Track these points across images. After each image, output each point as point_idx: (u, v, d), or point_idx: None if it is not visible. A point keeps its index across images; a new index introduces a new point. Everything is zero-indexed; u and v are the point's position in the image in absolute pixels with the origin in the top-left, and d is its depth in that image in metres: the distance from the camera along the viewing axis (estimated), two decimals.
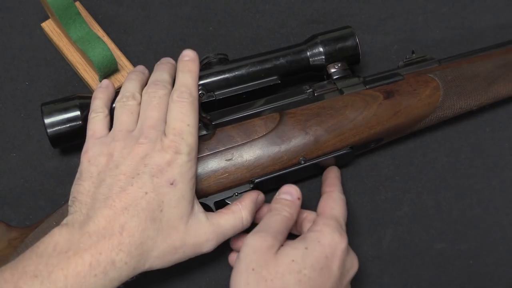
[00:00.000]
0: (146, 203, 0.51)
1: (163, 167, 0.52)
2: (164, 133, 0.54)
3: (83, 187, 0.53)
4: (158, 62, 0.62)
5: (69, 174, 0.68)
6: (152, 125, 0.54)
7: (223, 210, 0.57)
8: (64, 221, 0.52)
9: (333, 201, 0.59)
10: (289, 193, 0.58)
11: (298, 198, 0.58)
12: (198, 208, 0.55)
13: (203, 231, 0.54)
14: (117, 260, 0.49)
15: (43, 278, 0.47)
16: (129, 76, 0.60)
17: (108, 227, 0.50)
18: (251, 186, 0.61)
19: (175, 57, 0.71)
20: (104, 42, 0.68)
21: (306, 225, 0.60)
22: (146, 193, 0.52)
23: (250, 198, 0.58)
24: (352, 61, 0.67)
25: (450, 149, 0.70)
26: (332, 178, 0.63)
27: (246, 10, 0.76)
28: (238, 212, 0.56)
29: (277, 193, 0.59)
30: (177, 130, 0.54)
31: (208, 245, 0.54)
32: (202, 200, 0.59)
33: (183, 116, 0.55)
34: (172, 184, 0.52)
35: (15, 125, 0.70)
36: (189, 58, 0.59)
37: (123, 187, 0.52)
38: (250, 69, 0.65)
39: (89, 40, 0.68)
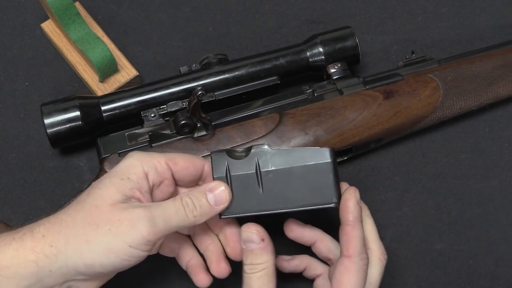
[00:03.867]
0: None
1: None
2: None
3: None
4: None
5: (69, 174, 0.68)
6: None
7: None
8: None
9: (350, 277, 0.51)
10: (251, 240, 0.52)
11: (263, 240, 0.52)
12: (136, 202, 0.50)
13: (131, 209, 0.48)
14: (35, 230, 0.49)
15: None
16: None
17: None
18: None
19: (175, 56, 0.72)
20: (103, 42, 0.68)
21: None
22: None
23: (198, 188, 0.53)
24: (351, 61, 0.67)
25: (450, 149, 0.70)
26: (351, 231, 0.52)
27: (246, 10, 0.76)
28: (178, 197, 0.51)
29: (241, 242, 0.53)
30: None
31: (142, 222, 0.48)
32: None
33: None
34: (107, 172, 0.52)
35: (15, 125, 0.70)
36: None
37: None
38: (250, 69, 0.65)
39: (89, 41, 0.68)
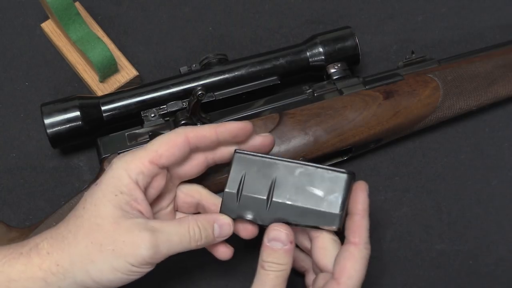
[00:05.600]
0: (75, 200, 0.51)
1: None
2: None
3: None
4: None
5: (69, 175, 0.68)
6: None
7: (171, 220, 0.54)
8: None
9: (354, 263, 0.52)
10: (280, 240, 0.51)
11: (291, 242, 0.52)
12: (137, 213, 0.50)
13: (137, 231, 0.49)
14: (40, 246, 0.49)
15: None
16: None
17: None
18: None
19: (175, 56, 0.72)
20: (103, 42, 0.68)
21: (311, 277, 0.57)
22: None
23: (206, 217, 0.53)
24: (351, 61, 0.67)
25: (450, 149, 0.70)
26: (360, 220, 0.54)
27: (246, 10, 0.76)
28: (185, 222, 0.51)
29: (264, 237, 0.52)
30: None
31: (145, 246, 0.48)
32: None
33: None
34: (96, 184, 0.51)
35: (15, 125, 0.70)
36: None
37: None
38: (250, 70, 0.65)
39: (89, 41, 0.68)
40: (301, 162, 0.53)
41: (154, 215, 0.54)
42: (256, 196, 0.53)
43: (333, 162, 0.66)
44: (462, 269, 0.65)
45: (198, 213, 0.57)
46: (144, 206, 0.51)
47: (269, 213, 0.52)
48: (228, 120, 0.62)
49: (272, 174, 0.53)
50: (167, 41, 0.75)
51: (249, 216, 0.53)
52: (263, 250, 0.52)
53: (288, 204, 0.52)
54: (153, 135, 0.61)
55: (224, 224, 0.53)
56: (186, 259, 0.57)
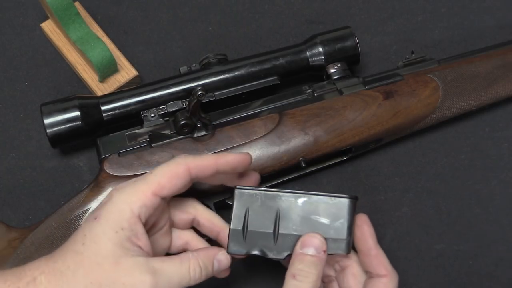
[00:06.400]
0: (73, 235, 0.50)
1: (99, 205, 0.51)
2: None
3: None
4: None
5: (69, 175, 0.68)
6: None
7: (172, 256, 0.52)
8: None
9: None
10: (314, 246, 0.51)
11: (324, 251, 0.51)
12: (137, 250, 0.49)
13: (138, 273, 0.48)
14: (37, 280, 0.48)
15: None
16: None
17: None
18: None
19: (175, 56, 0.72)
20: (103, 42, 0.68)
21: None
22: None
23: (207, 253, 0.53)
24: (351, 61, 0.67)
25: (449, 149, 0.70)
26: (377, 254, 0.53)
27: (246, 10, 0.76)
28: (186, 261, 0.51)
29: (297, 246, 0.52)
30: None
31: None
32: (202, 200, 0.59)
33: None
34: (96, 219, 0.49)
35: (15, 125, 0.70)
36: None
37: None
38: (250, 70, 0.65)
39: (89, 41, 0.68)
40: (303, 192, 0.53)
41: (151, 237, 0.53)
42: (262, 231, 0.52)
43: (333, 162, 0.66)
44: (462, 269, 0.65)
45: (193, 227, 0.57)
46: (143, 241, 0.50)
47: (277, 246, 0.52)
48: (228, 120, 0.62)
49: (276, 206, 0.52)
50: (167, 41, 0.75)
51: (257, 252, 0.52)
52: (295, 258, 0.51)
53: (295, 235, 0.52)
54: (153, 135, 0.61)
55: (223, 260, 0.53)
56: None
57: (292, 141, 0.61)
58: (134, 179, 0.52)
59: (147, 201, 0.50)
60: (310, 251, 0.51)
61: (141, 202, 0.50)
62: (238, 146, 0.61)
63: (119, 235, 0.48)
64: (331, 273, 0.57)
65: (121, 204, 0.49)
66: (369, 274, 0.54)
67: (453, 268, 0.65)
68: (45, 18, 0.72)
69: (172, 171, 0.51)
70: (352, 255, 0.55)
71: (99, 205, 0.51)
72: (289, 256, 0.52)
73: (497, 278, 0.65)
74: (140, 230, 0.50)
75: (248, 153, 0.55)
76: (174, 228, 0.56)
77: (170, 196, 0.52)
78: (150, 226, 0.53)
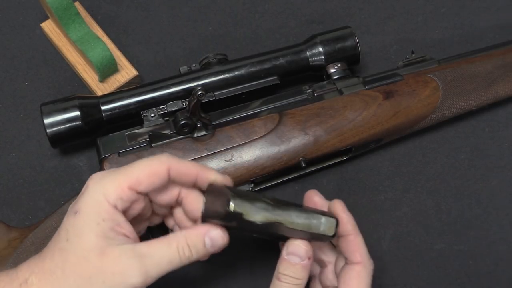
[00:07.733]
0: (57, 232, 0.50)
1: (77, 198, 0.51)
2: None
3: None
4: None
5: (69, 174, 0.68)
6: None
7: (159, 238, 0.51)
8: None
9: (361, 281, 0.53)
10: (299, 255, 0.51)
11: (309, 258, 0.52)
12: (122, 238, 0.49)
13: (125, 259, 0.48)
14: (29, 281, 0.48)
15: None
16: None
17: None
18: (251, 186, 0.61)
19: (175, 56, 0.72)
20: (103, 42, 0.68)
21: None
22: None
23: (195, 232, 0.51)
24: (351, 61, 0.67)
25: (449, 149, 0.70)
26: (355, 239, 0.54)
27: (246, 10, 0.76)
28: (173, 242, 0.50)
29: (283, 250, 0.52)
30: None
31: (134, 274, 0.47)
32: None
33: None
34: (76, 213, 0.49)
35: (15, 125, 0.70)
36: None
37: None
38: (250, 69, 0.65)
39: (89, 40, 0.68)
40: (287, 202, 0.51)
41: (136, 225, 0.52)
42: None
43: (333, 162, 0.66)
44: (462, 269, 0.65)
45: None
46: (127, 229, 0.50)
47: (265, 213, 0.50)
48: (228, 120, 0.62)
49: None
50: (167, 41, 0.75)
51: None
52: (280, 262, 0.52)
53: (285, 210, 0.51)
54: (153, 135, 0.61)
55: (214, 236, 0.51)
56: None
57: (292, 141, 0.61)
58: (113, 169, 0.52)
59: (123, 194, 0.49)
60: (296, 259, 0.51)
61: (117, 195, 0.49)
62: (238, 146, 0.61)
63: (101, 226, 0.48)
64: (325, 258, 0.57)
65: (97, 195, 0.49)
66: (345, 261, 0.54)
67: (453, 268, 0.65)
68: (45, 18, 0.72)
69: (152, 168, 0.50)
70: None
71: (77, 197, 0.50)
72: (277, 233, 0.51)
73: (497, 278, 0.65)
74: (121, 219, 0.49)
75: (229, 178, 0.53)
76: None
77: (146, 192, 0.51)
78: (132, 217, 0.52)
